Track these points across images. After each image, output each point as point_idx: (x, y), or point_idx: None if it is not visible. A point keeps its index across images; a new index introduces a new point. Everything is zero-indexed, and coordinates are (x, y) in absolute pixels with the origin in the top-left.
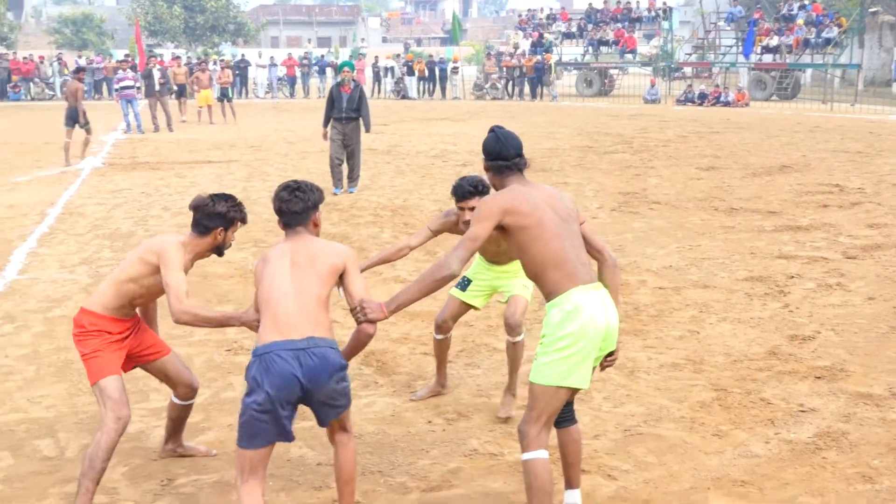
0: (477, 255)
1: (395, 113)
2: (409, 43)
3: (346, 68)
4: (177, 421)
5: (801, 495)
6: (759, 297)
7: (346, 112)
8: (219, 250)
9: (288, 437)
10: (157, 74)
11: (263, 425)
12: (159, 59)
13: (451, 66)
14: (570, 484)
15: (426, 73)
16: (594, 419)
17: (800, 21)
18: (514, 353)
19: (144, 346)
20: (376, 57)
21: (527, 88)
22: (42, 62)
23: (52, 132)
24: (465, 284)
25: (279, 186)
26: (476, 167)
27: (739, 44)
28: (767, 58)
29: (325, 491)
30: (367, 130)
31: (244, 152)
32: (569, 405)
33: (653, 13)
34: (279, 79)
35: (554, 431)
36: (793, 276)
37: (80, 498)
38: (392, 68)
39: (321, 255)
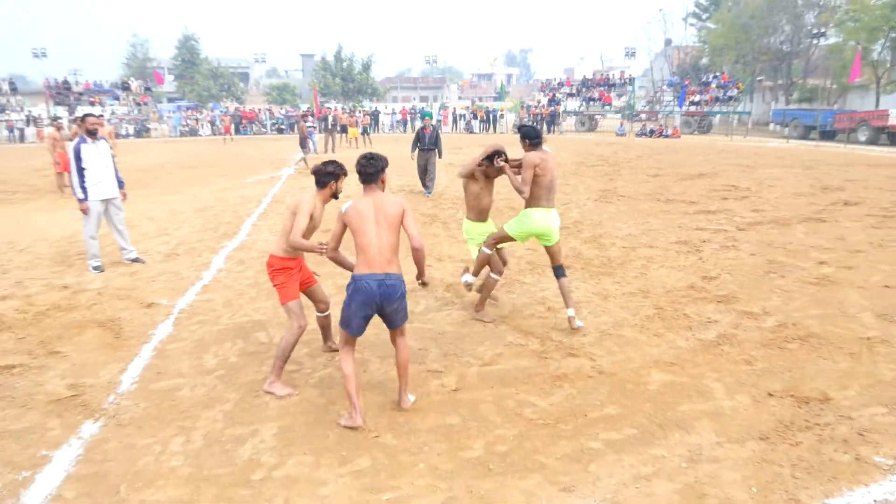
0: (468, 222)
1: (465, 142)
2: (474, 99)
3: (426, 118)
4: (324, 328)
5: (707, 372)
6: (684, 253)
7: (427, 145)
8: (335, 195)
9: (362, 331)
10: (330, 119)
11: (353, 320)
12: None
13: (499, 113)
14: (567, 305)
15: (484, 117)
16: (583, 324)
17: (713, 85)
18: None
19: (305, 276)
20: (454, 108)
21: (545, 127)
22: (259, 112)
23: (266, 153)
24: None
25: (360, 156)
26: None
27: (675, 99)
28: (693, 108)
29: (422, 364)
30: (440, 157)
31: None
32: (560, 267)
33: (622, 81)
34: (397, 121)
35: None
36: (705, 241)
37: (274, 370)
38: (464, 115)
39: (391, 208)
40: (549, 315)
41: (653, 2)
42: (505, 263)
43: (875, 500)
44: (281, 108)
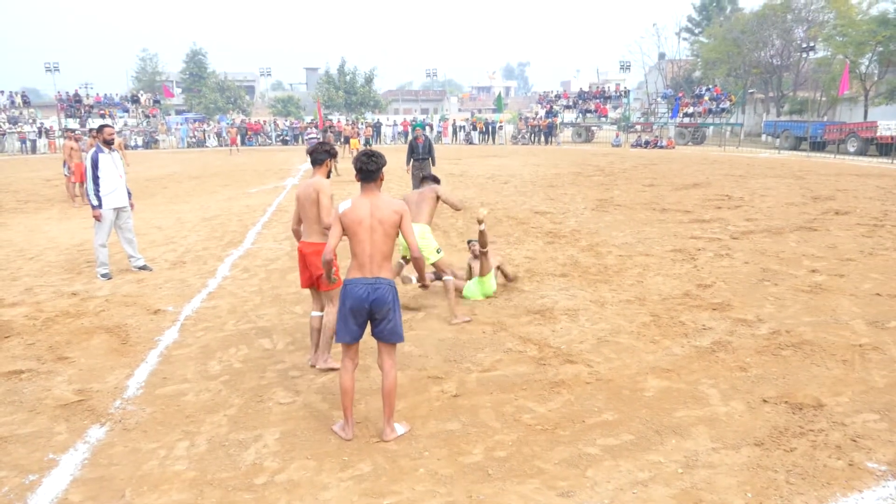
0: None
1: (465, 152)
2: (474, 111)
3: (417, 128)
4: (317, 332)
5: (702, 378)
6: (679, 261)
7: (422, 155)
8: (328, 174)
9: (356, 338)
10: (331, 132)
11: (346, 327)
12: (329, 121)
13: (498, 125)
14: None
15: (484, 129)
16: (580, 332)
17: (706, 97)
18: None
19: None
20: (454, 119)
21: (542, 138)
22: (265, 124)
23: (271, 164)
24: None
25: (359, 152)
26: (513, 185)
27: (669, 111)
28: (686, 119)
29: (423, 371)
30: (434, 165)
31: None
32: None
33: (618, 93)
34: (398, 132)
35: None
36: (699, 249)
37: (325, 349)
38: (464, 126)
39: (387, 215)
40: (547, 322)
41: (647, 17)
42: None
43: None
44: (285, 120)
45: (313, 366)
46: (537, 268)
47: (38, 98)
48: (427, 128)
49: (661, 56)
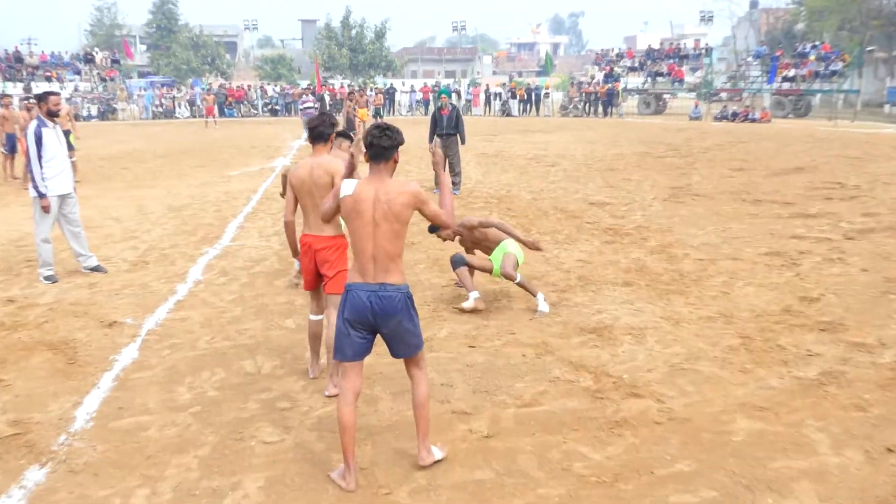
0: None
1: (502, 127)
2: (513, 75)
3: (443, 95)
4: (316, 338)
5: (807, 419)
6: (777, 268)
7: (447, 129)
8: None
9: (358, 356)
10: (327, 98)
11: (345, 341)
12: (331, 87)
13: (543, 91)
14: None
15: (525, 96)
16: (647, 357)
17: (812, 57)
18: None
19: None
20: (487, 85)
21: (600, 108)
22: (249, 89)
23: (257, 140)
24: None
25: (371, 125)
26: (563, 168)
27: (764, 74)
28: (786, 85)
29: (445, 404)
30: (463, 143)
31: None
32: None
33: (697, 52)
34: (417, 101)
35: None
36: (803, 252)
37: (329, 374)
38: (500, 93)
39: (395, 199)
40: (605, 344)
41: None
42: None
43: None
44: (275, 86)
45: (314, 378)
46: (593, 274)
47: None
48: (453, 95)
49: (754, 4)
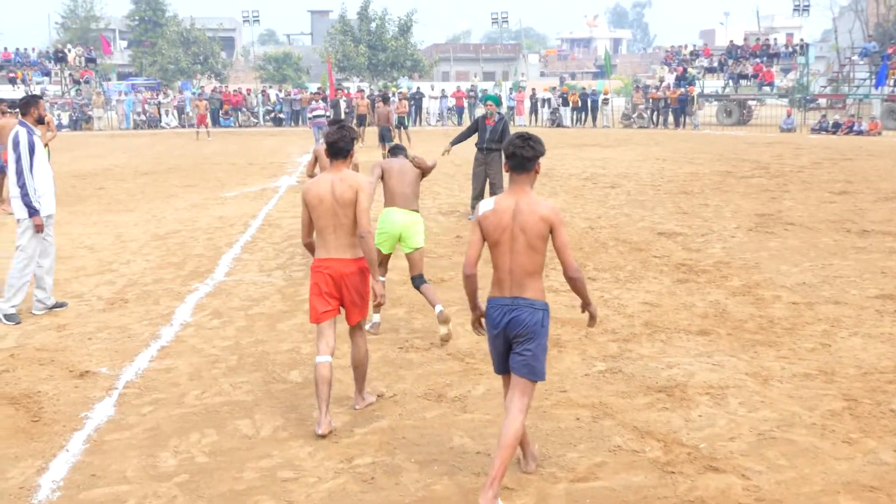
0: None
1: (551, 139)
2: (564, 77)
3: (488, 101)
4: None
5: None
6: (890, 315)
7: (488, 143)
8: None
9: (502, 369)
10: (342, 105)
11: (492, 354)
12: (346, 91)
13: (601, 97)
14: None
15: (579, 103)
16: (729, 422)
17: None
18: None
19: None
20: (534, 89)
21: (671, 118)
22: (249, 94)
23: (256, 154)
24: None
25: (514, 134)
26: (625, 191)
27: (872, 76)
28: None
29: (483, 477)
30: None
31: None
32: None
33: (790, 49)
34: (449, 108)
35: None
36: None
37: (358, 388)
38: (549, 99)
39: (533, 215)
40: (677, 406)
41: None
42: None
43: None
44: (279, 90)
45: (323, 436)
46: (662, 320)
47: None
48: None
49: None
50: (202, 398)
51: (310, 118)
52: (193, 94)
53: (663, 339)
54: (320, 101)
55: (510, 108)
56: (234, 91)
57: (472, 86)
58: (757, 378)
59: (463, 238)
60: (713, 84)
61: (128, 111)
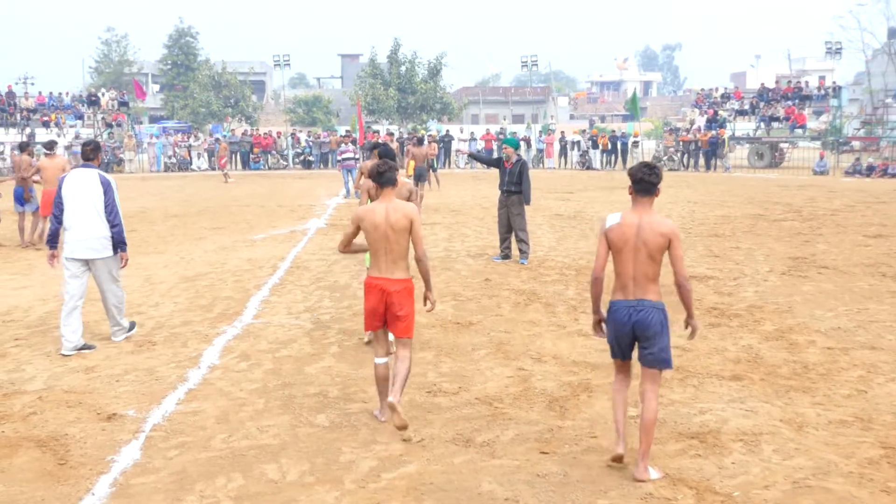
0: None
1: (580, 182)
2: (593, 119)
3: (507, 146)
4: (384, 380)
5: None
6: None
7: (507, 185)
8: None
9: (623, 356)
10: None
11: (612, 346)
12: (373, 133)
13: (631, 140)
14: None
15: (609, 146)
16: (764, 470)
17: None
18: None
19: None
20: (563, 132)
21: (701, 160)
22: (279, 137)
23: (286, 197)
24: None
25: (640, 163)
26: None
27: None
28: None
29: None
30: (527, 203)
31: (446, 216)
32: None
33: (822, 91)
34: (478, 151)
35: None
36: None
37: (400, 389)
38: (578, 142)
39: (655, 231)
40: (710, 453)
41: None
42: None
43: None
44: (308, 133)
45: (385, 422)
46: (693, 365)
47: None
48: (522, 143)
49: (893, 33)
50: (229, 442)
51: (339, 160)
52: (223, 136)
53: (695, 385)
54: (349, 144)
55: (539, 151)
56: (265, 134)
57: (501, 128)
58: (791, 425)
59: (492, 281)
60: (744, 126)
61: (158, 154)
